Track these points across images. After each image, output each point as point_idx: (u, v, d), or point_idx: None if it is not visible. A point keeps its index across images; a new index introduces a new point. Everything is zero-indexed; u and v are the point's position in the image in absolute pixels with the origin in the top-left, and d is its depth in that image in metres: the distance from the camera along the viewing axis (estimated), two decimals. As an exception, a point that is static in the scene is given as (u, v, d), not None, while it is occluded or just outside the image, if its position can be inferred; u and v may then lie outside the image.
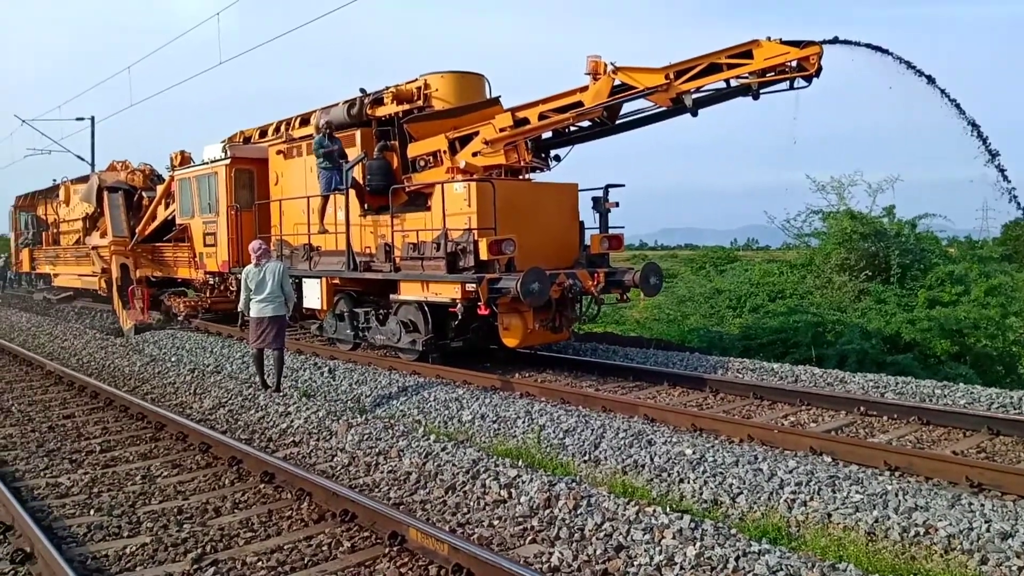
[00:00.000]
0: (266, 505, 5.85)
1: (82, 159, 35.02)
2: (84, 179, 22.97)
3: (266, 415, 8.44)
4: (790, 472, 5.80)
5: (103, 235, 18.97)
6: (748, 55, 8.99)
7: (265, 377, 9.53)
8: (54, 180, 25.77)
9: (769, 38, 8.85)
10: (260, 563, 4.79)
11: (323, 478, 6.04)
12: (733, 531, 4.65)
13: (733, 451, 6.39)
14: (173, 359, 12.49)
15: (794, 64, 8.76)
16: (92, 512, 5.76)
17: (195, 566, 4.74)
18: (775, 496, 5.52)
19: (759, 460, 6.07)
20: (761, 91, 9.13)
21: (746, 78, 9.10)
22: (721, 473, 5.95)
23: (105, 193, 18.83)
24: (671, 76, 9.33)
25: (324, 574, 4.64)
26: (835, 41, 8.74)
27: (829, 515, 5.19)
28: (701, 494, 5.78)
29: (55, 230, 25.80)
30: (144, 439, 7.91)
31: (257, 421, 8.37)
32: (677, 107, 9.64)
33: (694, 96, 9.47)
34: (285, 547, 5.03)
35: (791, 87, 8.97)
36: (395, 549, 4.87)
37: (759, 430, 7.34)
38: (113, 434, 8.15)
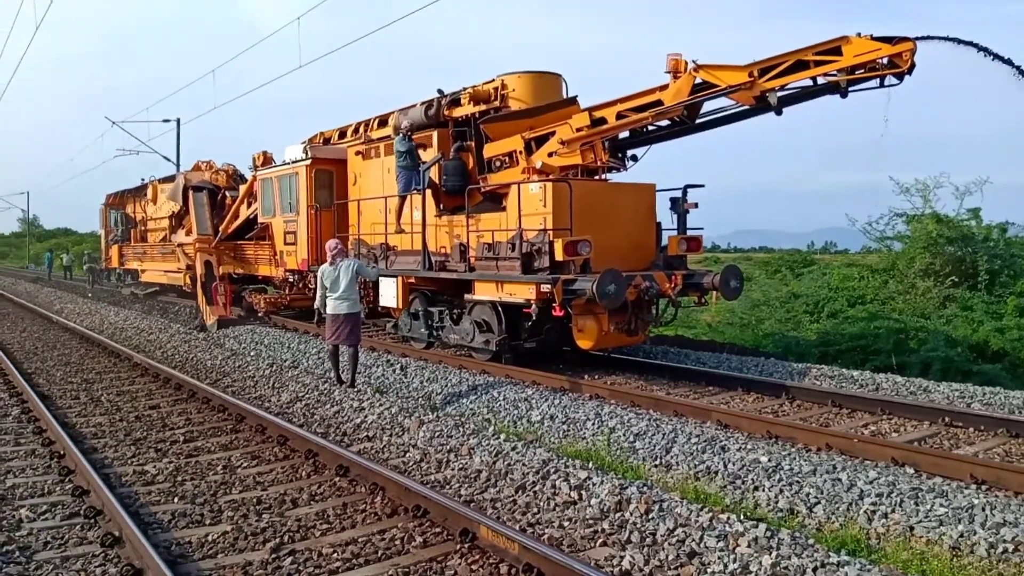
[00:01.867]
0: (341, 498, 6.04)
1: (168, 159, 36.70)
2: (171, 179, 24.06)
3: (341, 410, 8.70)
4: (870, 483, 5.69)
5: (188, 233, 19.85)
6: (836, 52, 8.78)
7: (340, 373, 9.82)
8: (142, 179, 27.11)
9: (859, 34, 8.64)
10: (335, 554, 4.96)
11: (396, 473, 6.20)
12: (810, 541, 4.58)
13: (810, 460, 6.29)
14: (252, 354, 12.97)
15: (885, 61, 8.52)
16: (176, 500, 6.05)
17: (273, 555, 4.93)
18: (854, 507, 5.42)
19: (838, 470, 5.97)
20: (850, 89, 8.91)
21: (834, 75, 8.89)
22: (798, 482, 5.86)
23: (190, 192, 19.71)
24: (755, 74, 9.18)
25: (397, 568, 4.77)
26: (929, 37, 8.46)
27: (911, 528, 5.07)
28: (776, 503, 5.70)
29: (143, 227, 27.09)
30: (225, 430, 8.28)
31: (332, 415, 8.63)
32: (760, 106, 9.49)
33: (779, 94, 9.30)
34: (359, 539, 5.19)
35: (881, 85, 8.72)
36: (466, 546, 4.97)
37: (838, 439, 7.21)
38: (196, 425, 8.54)
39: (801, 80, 9.19)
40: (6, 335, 16.89)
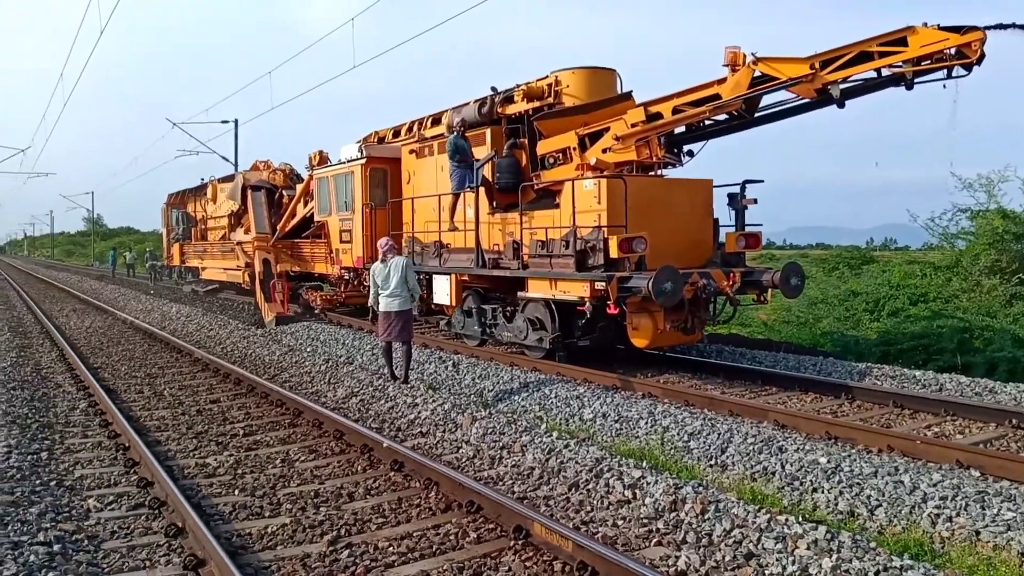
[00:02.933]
0: (396, 492, 6.15)
1: (226, 159, 37.68)
2: (230, 178, 24.71)
3: (395, 405, 8.84)
4: (934, 486, 5.58)
5: (247, 231, 20.35)
6: (902, 42, 8.58)
7: (394, 369, 9.97)
8: (202, 179, 27.90)
9: (926, 24, 8.42)
10: (391, 548, 5.05)
11: (450, 469, 6.29)
12: (872, 545, 4.49)
13: (871, 461, 6.19)
14: (308, 350, 13.24)
15: (953, 51, 8.29)
16: (236, 492, 6.23)
17: (331, 548, 5.05)
18: (917, 510, 5.32)
19: (900, 472, 5.87)
20: (916, 81, 8.69)
21: (899, 67, 8.69)
22: (858, 484, 5.77)
23: (249, 191, 20.22)
24: (816, 66, 9.03)
25: (452, 563, 4.84)
26: (1002, 26, 8.19)
27: (977, 533, 4.95)
28: (836, 504, 5.62)
29: (203, 226, 27.88)
30: (283, 424, 8.48)
31: (387, 411, 8.78)
32: (822, 98, 9.32)
33: (841, 86, 9.13)
34: (414, 534, 5.28)
35: (949, 76, 8.48)
36: (520, 542, 5.01)
37: (900, 440, 7.08)
38: (255, 419, 8.78)
39: (864, 72, 9.01)
40: (73, 331, 17.56)
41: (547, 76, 11.94)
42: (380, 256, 9.83)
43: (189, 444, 7.73)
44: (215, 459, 7.15)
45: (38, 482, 6.28)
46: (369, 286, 10.13)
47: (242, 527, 5.47)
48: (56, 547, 4.92)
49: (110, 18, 19.38)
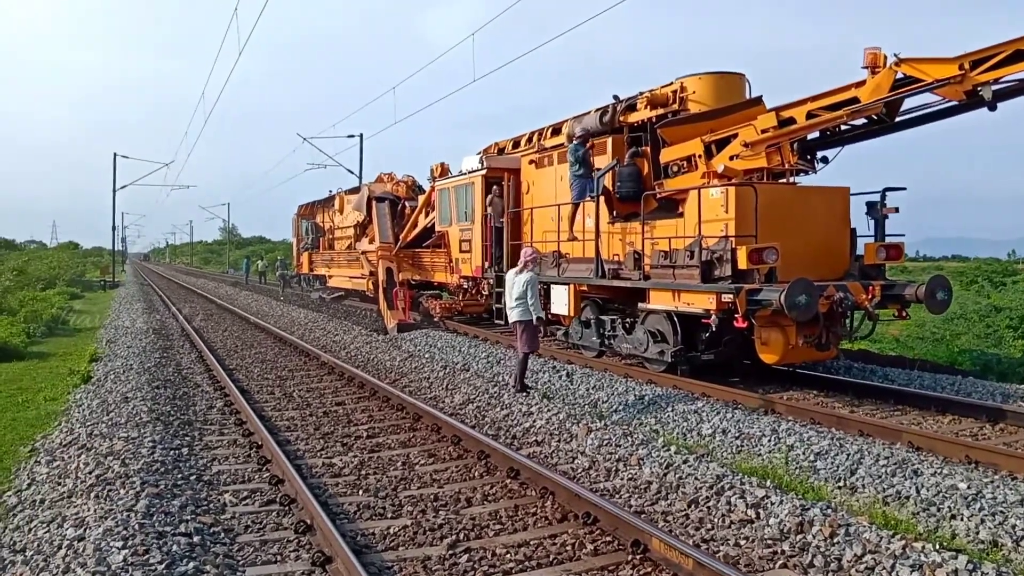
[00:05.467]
0: (512, 500, 6.28)
1: (351, 172, 39.42)
2: (355, 190, 25.81)
3: (510, 413, 9.00)
4: (1088, 517, 5.19)
5: (371, 241, 21.20)
6: (1064, 38, 8.03)
7: (523, 378, 10.10)
8: (330, 191, 29.28)
9: (1094, 16, 7.84)
10: (509, 555, 5.16)
11: (566, 479, 6.35)
12: (1020, 577, 4.23)
13: (1017, 489, 5.85)
14: (427, 356, 13.64)
15: None
16: (360, 492, 6.52)
17: (450, 552, 5.21)
18: (1068, 542, 4.96)
19: (1049, 501, 5.50)
20: (1078, 80, 8.11)
21: (1060, 66, 8.13)
22: (1001, 512, 5.47)
23: (373, 203, 21.08)
24: (966, 66, 8.57)
25: (569, 573, 4.91)
26: None
27: None
28: (977, 533, 5.34)
29: (330, 236, 29.22)
30: (404, 428, 8.80)
31: (502, 419, 8.94)
32: (971, 101, 8.83)
33: (993, 88, 8.63)
34: (531, 542, 5.38)
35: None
36: (638, 557, 5.01)
37: (1049, 466, 6.61)
38: (377, 422, 9.15)
39: (1020, 72, 8.47)
40: (211, 334, 18.78)
41: (672, 83, 11.85)
42: (519, 265, 10.09)
43: (317, 444, 8.14)
44: (340, 459, 7.50)
45: (179, 476, 6.77)
46: (490, 294, 10.38)
47: (366, 527, 5.72)
48: (196, 539, 5.30)
49: (248, 39, 20.69)
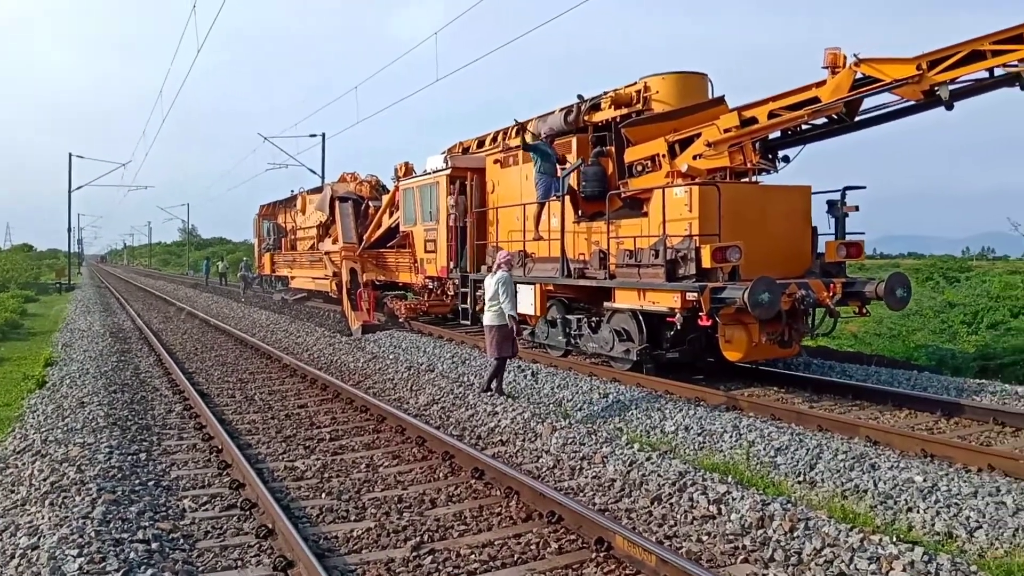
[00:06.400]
0: (477, 500, 6.30)
1: (314, 172, 39.20)
2: (318, 190, 25.65)
3: (475, 414, 9.03)
4: (1040, 507, 5.38)
5: (334, 241, 21.09)
6: (1018, 40, 8.26)
7: (498, 384, 9.94)
8: (292, 191, 29.07)
9: (1047, 19, 8.08)
10: (473, 556, 5.18)
11: (530, 478, 6.38)
12: (973, 568, 4.37)
13: (971, 481, 6.03)
14: (391, 357, 13.61)
15: (1077, 48, 7.93)
16: (323, 496, 6.49)
17: (414, 553, 5.21)
18: (1021, 533, 5.15)
19: (1001, 492, 5.71)
20: (1034, 80, 8.35)
21: (1014, 66, 8.37)
22: (956, 504, 5.63)
23: (337, 203, 20.97)
24: (924, 66, 8.78)
25: (533, 573, 4.94)
26: None
27: (1091, 559, 4.73)
28: (933, 525, 5.49)
29: (292, 236, 28.99)
30: (367, 430, 8.78)
31: (467, 419, 8.97)
32: (928, 101, 9.05)
33: (950, 88, 8.85)
34: (496, 542, 5.40)
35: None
36: (601, 555, 5.07)
37: (1001, 459, 6.86)
38: (341, 424, 9.11)
39: (976, 72, 8.70)
40: (170, 337, 18.53)
41: (636, 82, 11.96)
42: (493, 268, 10.03)
43: (278, 447, 8.09)
44: (303, 462, 7.46)
45: (137, 482, 6.68)
46: (456, 295, 10.33)
47: (329, 530, 5.70)
48: (154, 545, 5.24)
49: (206, 37, 20.47)
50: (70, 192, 49.60)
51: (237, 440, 8.14)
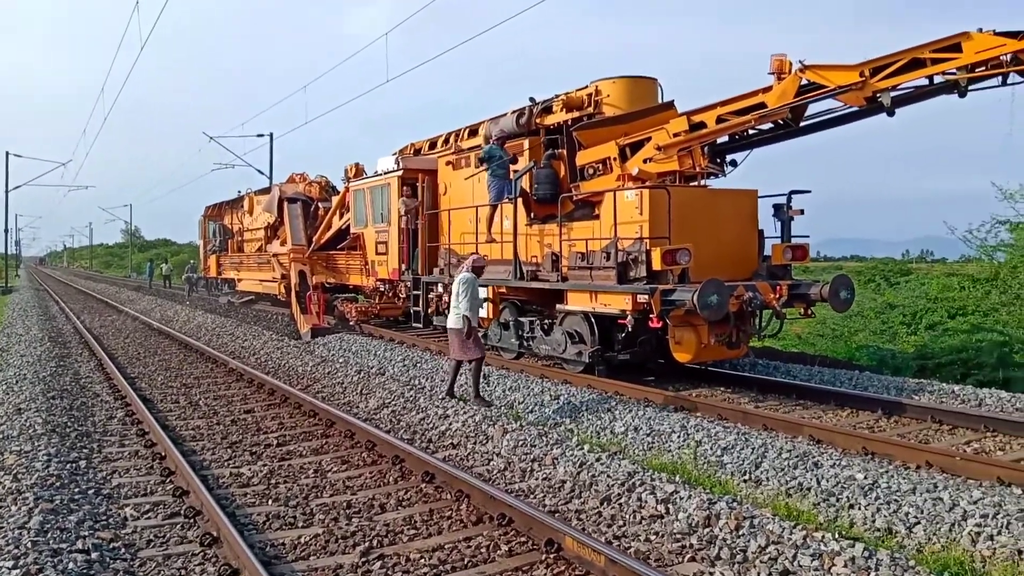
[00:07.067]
0: (427, 504, 6.30)
1: (261, 172, 38.61)
2: (266, 191, 25.31)
3: (426, 417, 9.02)
4: (974, 503, 5.59)
5: (283, 243, 20.84)
6: (956, 48, 8.56)
7: (454, 386, 9.82)
8: (239, 192, 28.64)
9: (981, 29, 8.39)
10: (423, 560, 5.18)
11: (481, 481, 6.41)
12: (911, 563, 4.51)
13: (909, 478, 6.23)
14: (341, 361, 13.50)
15: (1009, 58, 8.24)
16: (270, 502, 6.42)
17: (363, 559, 5.19)
18: (957, 528, 5.34)
19: (939, 488, 5.90)
20: (970, 88, 8.66)
21: (953, 74, 8.68)
22: (896, 500, 5.80)
23: (285, 204, 20.73)
24: (866, 73, 9.05)
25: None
26: None
27: (1020, 552, 4.95)
28: (873, 522, 5.65)
29: (239, 238, 28.57)
30: (316, 435, 8.71)
31: (418, 422, 8.96)
32: (871, 107, 9.33)
33: (892, 94, 9.13)
34: (446, 546, 5.41)
35: (1004, 83, 8.44)
36: (551, 556, 5.11)
37: (939, 456, 7.11)
38: (288, 429, 9.01)
39: (916, 79, 8.99)
40: (111, 341, 18.12)
41: (587, 86, 12.08)
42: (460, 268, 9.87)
43: (224, 454, 7.97)
44: (249, 469, 7.37)
45: (77, 490, 6.54)
46: (407, 297, 10.21)
47: (275, 537, 5.65)
48: (94, 555, 5.13)
49: (151, 33, 20.07)
50: (7, 192, 48.17)
51: (181, 446, 8.00)
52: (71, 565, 4.91)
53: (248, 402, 10.65)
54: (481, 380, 9.69)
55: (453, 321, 9.53)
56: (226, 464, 7.61)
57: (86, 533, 5.52)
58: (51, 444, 7.84)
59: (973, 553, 5.07)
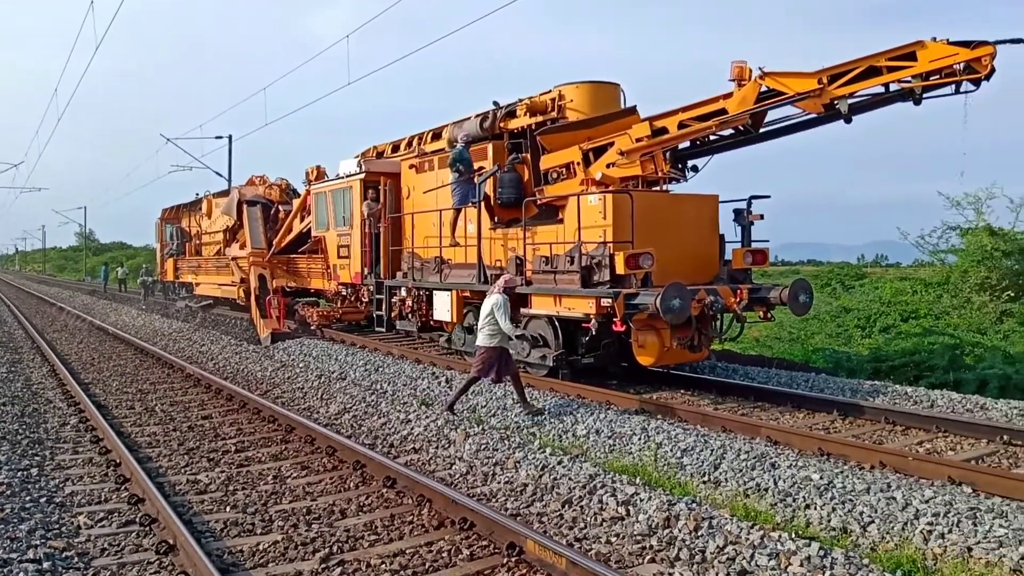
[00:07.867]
0: (388, 509, 6.30)
1: (220, 175, 38.09)
2: (225, 193, 25.01)
3: (388, 422, 9.02)
4: (926, 502, 5.76)
5: (242, 247, 20.61)
6: (911, 57, 8.77)
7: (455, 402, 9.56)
8: (197, 194, 28.24)
9: (935, 38, 8.62)
10: (384, 566, 5.19)
11: (443, 485, 6.43)
12: (865, 561, 4.64)
13: (864, 477, 6.37)
14: (301, 365, 13.42)
15: (962, 67, 8.47)
16: (228, 509, 6.38)
17: (323, 565, 5.18)
18: (910, 527, 5.47)
19: (892, 488, 6.05)
20: (924, 96, 8.88)
21: (908, 82, 8.88)
22: (850, 500, 5.94)
23: (245, 207, 20.51)
24: (824, 80, 9.21)
25: (444, 580, 4.99)
26: (1015, 41, 8.37)
27: (970, 549, 5.10)
28: (829, 521, 5.77)
29: (197, 241, 28.17)
30: (275, 441, 8.65)
31: (380, 427, 8.95)
32: (829, 114, 9.51)
33: (849, 102, 9.32)
34: (407, 551, 5.42)
35: (957, 91, 8.67)
36: (513, 560, 5.15)
37: (892, 456, 7.30)
38: (247, 435, 8.95)
39: (872, 87, 9.19)
40: (64, 346, 17.79)
41: (550, 90, 12.17)
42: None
43: (180, 460, 7.89)
44: (206, 475, 7.31)
45: (28, 499, 6.45)
46: (370, 302, 10.11)
47: (233, 544, 5.61)
48: (46, 564, 5.07)
49: (106, 33, 19.78)
50: (-45, 193, 47.01)
51: (136, 453, 7.91)
52: (22, 575, 4.84)
53: (206, 408, 10.54)
54: (439, 385, 9.60)
55: (485, 340, 9.24)
56: (183, 471, 7.53)
57: (38, 542, 5.46)
58: (1, 452, 7.73)
59: (925, 551, 5.20)
